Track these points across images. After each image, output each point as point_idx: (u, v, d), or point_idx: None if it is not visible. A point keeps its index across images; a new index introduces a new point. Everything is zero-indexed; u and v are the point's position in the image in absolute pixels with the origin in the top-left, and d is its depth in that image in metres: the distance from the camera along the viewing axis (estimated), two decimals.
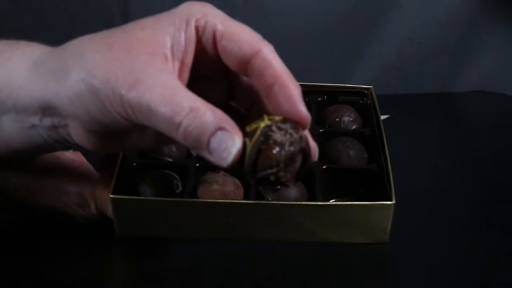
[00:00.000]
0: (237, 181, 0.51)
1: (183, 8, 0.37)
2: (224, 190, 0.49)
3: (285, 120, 0.35)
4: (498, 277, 0.48)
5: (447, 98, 0.77)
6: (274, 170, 0.34)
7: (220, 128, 0.33)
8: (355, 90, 0.62)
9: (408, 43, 0.77)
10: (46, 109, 0.37)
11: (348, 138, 0.56)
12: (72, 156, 0.51)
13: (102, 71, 0.34)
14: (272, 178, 0.34)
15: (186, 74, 0.37)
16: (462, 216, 0.54)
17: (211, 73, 0.39)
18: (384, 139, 0.54)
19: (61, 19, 0.72)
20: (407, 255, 0.50)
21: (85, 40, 0.36)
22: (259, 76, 0.36)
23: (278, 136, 0.34)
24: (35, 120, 0.38)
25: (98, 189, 0.48)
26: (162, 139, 0.36)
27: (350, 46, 0.77)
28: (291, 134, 0.34)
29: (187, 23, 0.36)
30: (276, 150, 0.34)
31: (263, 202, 0.49)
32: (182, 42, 0.36)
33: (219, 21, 0.36)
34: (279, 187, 0.50)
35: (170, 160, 0.54)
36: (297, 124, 0.35)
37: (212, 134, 0.33)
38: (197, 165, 0.52)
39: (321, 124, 0.59)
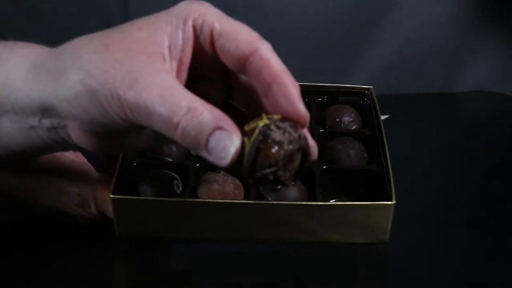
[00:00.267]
0: (237, 181, 0.51)
1: (180, 7, 0.37)
2: (224, 190, 0.49)
3: (284, 119, 0.35)
4: (498, 277, 0.48)
5: (447, 98, 0.77)
6: (273, 169, 0.34)
7: (218, 128, 0.33)
8: (355, 90, 0.62)
9: (408, 43, 0.77)
10: (45, 110, 0.37)
11: (348, 138, 0.56)
12: (72, 157, 0.51)
13: (100, 72, 0.34)
14: (271, 177, 0.34)
15: (184, 74, 0.37)
16: (462, 216, 0.54)
17: (209, 72, 0.39)
18: (384, 139, 0.54)
19: (61, 19, 0.72)
20: (407, 255, 0.50)
21: (83, 41, 0.36)
22: (257, 75, 0.36)
23: (276, 135, 0.34)
24: (34, 121, 0.38)
25: (98, 189, 0.48)
26: (161, 139, 0.36)
27: (350, 46, 0.77)
28: (289, 133, 0.34)
29: (185, 22, 0.36)
30: (275, 149, 0.34)
31: (263, 202, 0.49)
32: (180, 41, 0.36)
33: (217, 20, 0.36)
34: (279, 187, 0.50)
35: (170, 160, 0.54)
36: (296, 123, 0.35)
37: (210, 133, 0.33)
38: (197, 165, 0.52)
39: (321, 124, 0.59)
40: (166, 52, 0.35)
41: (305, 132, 0.36)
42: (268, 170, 0.34)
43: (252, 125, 0.34)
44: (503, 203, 0.56)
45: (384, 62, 0.77)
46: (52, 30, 0.72)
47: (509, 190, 0.58)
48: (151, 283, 0.47)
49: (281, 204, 0.48)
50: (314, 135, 0.38)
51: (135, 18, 0.37)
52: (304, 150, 0.35)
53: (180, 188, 0.51)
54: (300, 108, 0.35)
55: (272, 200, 0.50)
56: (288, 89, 0.35)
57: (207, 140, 0.33)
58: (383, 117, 0.59)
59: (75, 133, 0.37)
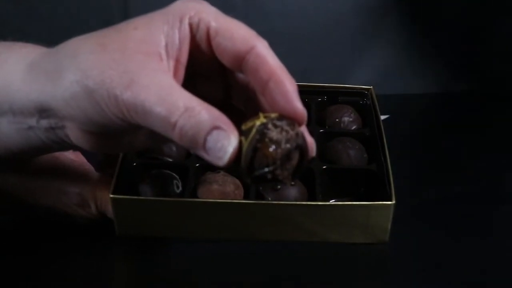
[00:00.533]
0: (237, 181, 0.51)
1: (177, 5, 0.37)
2: (224, 190, 0.49)
3: (281, 117, 0.34)
4: (498, 277, 0.48)
5: (447, 98, 0.77)
6: (271, 168, 0.34)
7: (216, 127, 0.33)
8: (355, 90, 0.62)
9: (408, 43, 0.77)
10: (43, 111, 0.37)
11: (348, 138, 0.56)
12: (71, 157, 0.51)
13: (97, 72, 0.34)
14: (269, 176, 0.34)
15: (182, 73, 0.37)
16: (462, 216, 0.54)
17: (206, 71, 0.39)
18: (384, 139, 0.54)
19: (61, 19, 0.72)
20: (407, 255, 0.50)
21: (79, 41, 0.36)
22: (254, 73, 0.36)
23: (274, 134, 0.34)
24: (32, 121, 0.38)
25: (98, 189, 0.48)
26: (159, 138, 0.36)
27: (350, 46, 0.77)
28: (287, 131, 0.34)
29: (181, 21, 0.36)
30: (272, 148, 0.34)
31: (263, 202, 0.49)
32: (176, 40, 0.36)
33: (213, 18, 0.36)
34: (279, 186, 0.50)
35: (170, 160, 0.54)
36: (293, 121, 0.35)
37: (208, 133, 0.33)
38: (197, 165, 0.52)
39: (321, 124, 0.59)
40: (163, 51, 0.35)
41: (303, 129, 0.36)
42: (266, 169, 0.34)
43: (249, 124, 0.34)
44: (504, 203, 0.56)
45: (384, 62, 0.77)
46: (52, 30, 0.72)
47: (510, 190, 0.58)
48: (151, 283, 0.47)
49: (281, 204, 0.48)
50: (314, 135, 0.38)
51: None
52: (302, 148, 0.35)
53: (180, 188, 0.51)
54: (297, 105, 0.35)
55: (272, 200, 0.50)
56: (285, 87, 0.35)
57: (205, 140, 0.33)
58: (383, 117, 0.59)
59: (73, 133, 0.37)
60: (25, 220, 0.52)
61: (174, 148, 0.54)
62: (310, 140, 0.37)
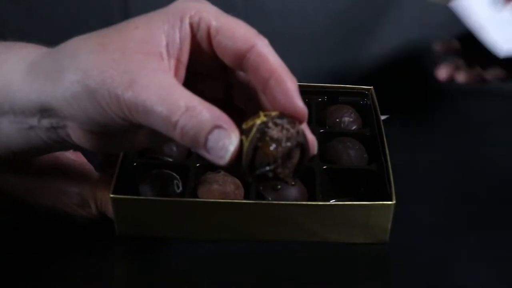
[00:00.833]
0: (238, 181, 0.51)
1: (177, 5, 0.37)
2: (225, 190, 0.49)
3: (282, 115, 0.34)
4: (498, 277, 0.48)
5: (447, 98, 0.77)
6: (271, 167, 0.34)
7: (217, 127, 0.33)
8: (355, 90, 0.62)
9: (408, 43, 0.77)
10: (44, 111, 0.37)
11: (348, 138, 0.56)
12: (72, 157, 0.51)
13: (98, 72, 0.34)
14: (270, 174, 0.34)
15: (183, 72, 0.37)
16: (462, 216, 0.54)
17: (207, 70, 0.39)
18: (384, 139, 0.54)
19: (61, 19, 0.72)
20: (407, 255, 0.50)
21: (80, 41, 0.36)
22: (255, 71, 0.36)
23: (274, 132, 0.34)
24: (33, 121, 0.38)
25: (98, 189, 0.48)
26: (160, 137, 0.36)
27: (350, 46, 0.77)
28: (287, 130, 0.34)
29: (181, 20, 0.36)
30: (272, 147, 0.34)
31: (263, 202, 0.49)
32: (177, 40, 0.36)
33: (213, 17, 0.36)
34: (279, 186, 0.50)
35: (170, 160, 0.54)
36: (294, 119, 0.35)
37: (209, 132, 0.33)
38: (197, 165, 0.52)
39: (322, 124, 0.59)
40: (164, 51, 0.35)
41: (304, 127, 0.36)
42: (267, 168, 0.34)
43: (249, 123, 0.34)
44: (504, 203, 0.56)
45: (384, 62, 0.77)
46: (52, 30, 0.72)
47: (510, 190, 0.58)
48: (151, 283, 0.47)
49: (281, 204, 0.48)
50: (314, 136, 0.38)
51: None
52: (303, 146, 0.35)
53: (180, 188, 0.51)
54: (298, 103, 0.35)
55: (272, 200, 0.50)
56: (285, 85, 0.35)
57: (206, 139, 0.33)
58: (383, 117, 0.59)
59: (74, 133, 0.37)
60: (25, 220, 0.52)
61: (174, 148, 0.54)
62: (311, 138, 0.37)
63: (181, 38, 0.36)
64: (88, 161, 0.51)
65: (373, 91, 0.61)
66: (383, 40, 0.77)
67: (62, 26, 0.70)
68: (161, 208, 0.48)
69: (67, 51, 0.36)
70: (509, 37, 0.59)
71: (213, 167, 0.51)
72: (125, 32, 0.36)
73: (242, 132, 0.34)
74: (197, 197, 0.49)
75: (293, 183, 0.50)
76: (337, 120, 0.59)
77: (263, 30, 0.37)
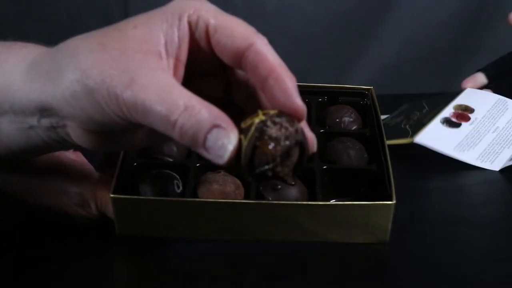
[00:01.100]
0: (238, 181, 0.51)
1: (175, 4, 0.37)
2: (225, 190, 0.49)
3: (280, 113, 0.34)
4: (498, 278, 0.48)
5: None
6: (271, 165, 0.34)
7: (216, 126, 0.33)
8: (355, 90, 0.62)
9: (408, 43, 0.77)
10: (44, 110, 0.37)
11: (349, 138, 0.56)
12: (72, 156, 0.51)
13: (97, 72, 0.34)
14: (269, 173, 0.34)
15: (181, 71, 0.37)
16: (462, 216, 0.54)
17: (206, 69, 0.39)
18: (384, 139, 0.54)
19: (61, 19, 0.72)
20: (407, 255, 0.50)
21: (79, 40, 0.36)
22: (254, 70, 0.36)
23: (273, 131, 0.34)
24: (33, 121, 0.38)
25: (98, 189, 0.48)
26: (160, 137, 0.36)
27: (350, 46, 0.77)
28: (286, 128, 0.34)
29: (180, 19, 0.36)
30: (271, 145, 0.33)
31: (263, 202, 0.49)
32: (176, 38, 0.36)
33: (212, 15, 0.36)
34: (279, 186, 0.50)
35: (171, 160, 0.54)
36: (292, 117, 0.35)
37: (208, 131, 0.33)
38: (198, 165, 0.52)
39: (322, 124, 0.59)
40: (163, 50, 0.35)
41: (303, 125, 0.36)
42: (266, 167, 0.34)
43: (248, 122, 0.34)
44: (505, 203, 0.56)
45: (384, 62, 0.77)
46: (52, 30, 0.72)
47: (511, 190, 0.58)
48: (151, 283, 0.47)
49: (281, 204, 0.48)
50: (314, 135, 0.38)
51: None
52: (302, 144, 0.35)
53: (181, 188, 0.51)
54: (297, 101, 0.35)
55: (272, 200, 0.50)
56: (284, 83, 0.35)
57: (205, 138, 0.33)
58: (383, 117, 0.59)
59: (74, 132, 0.37)
60: (25, 220, 0.52)
61: (174, 148, 0.54)
62: (311, 136, 0.37)
63: (179, 37, 0.36)
64: (88, 161, 0.51)
65: (373, 91, 0.61)
66: (383, 40, 0.77)
67: (62, 26, 0.71)
68: (161, 208, 0.48)
69: (67, 51, 0.36)
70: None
71: (213, 167, 0.51)
72: (124, 31, 0.36)
73: (241, 131, 0.34)
74: (197, 197, 0.49)
75: (293, 183, 0.50)
76: (337, 120, 0.59)
77: (263, 30, 0.37)
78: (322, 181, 0.51)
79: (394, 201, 0.47)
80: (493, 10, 0.78)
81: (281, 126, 0.34)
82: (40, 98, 0.36)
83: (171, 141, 0.50)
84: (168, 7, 0.37)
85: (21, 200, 0.48)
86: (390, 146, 0.52)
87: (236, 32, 0.36)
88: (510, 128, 0.64)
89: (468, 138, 0.63)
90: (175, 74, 0.36)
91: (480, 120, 0.65)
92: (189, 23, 0.36)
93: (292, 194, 0.50)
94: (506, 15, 0.69)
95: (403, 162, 0.54)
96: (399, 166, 0.51)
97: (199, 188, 0.50)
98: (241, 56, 0.36)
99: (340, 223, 0.48)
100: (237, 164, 0.34)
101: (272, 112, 0.34)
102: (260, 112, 0.34)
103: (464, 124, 0.65)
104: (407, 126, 0.65)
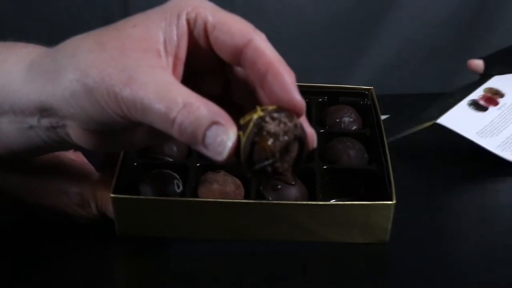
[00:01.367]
0: (238, 181, 0.51)
1: (174, 2, 0.37)
2: (225, 190, 0.49)
3: (279, 109, 0.34)
4: (499, 278, 0.48)
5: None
6: (270, 161, 0.34)
7: (215, 123, 0.33)
8: (355, 90, 0.62)
9: (408, 43, 0.77)
10: (44, 110, 0.37)
11: (349, 138, 0.56)
12: (72, 156, 0.51)
13: (96, 71, 0.34)
14: (269, 169, 0.34)
15: (181, 69, 0.37)
16: (462, 216, 0.54)
17: (205, 66, 0.39)
18: (384, 139, 0.54)
19: (61, 19, 0.73)
20: (407, 255, 0.50)
21: (78, 40, 0.36)
22: (252, 66, 0.36)
23: (271, 126, 0.33)
24: (33, 121, 0.38)
25: (98, 189, 0.48)
26: (159, 135, 0.36)
27: (350, 46, 0.77)
28: (285, 123, 0.34)
29: (178, 17, 0.36)
30: (270, 141, 0.33)
31: (263, 202, 0.49)
32: (174, 37, 0.36)
33: (210, 13, 0.36)
34: (279, 186, 0.50)
35: (171, 160, 0.54)
36: (291, 113, 0.35)
37: (207, 128, 0.33)
38: (198, 165, 0.52)
39: (322, 124, 0.59)
40: (162, 48, 0.36)
41: (303, 120, 0.36)
42: (265, 163, 0.34)
43: (247, 118, 0.34)
44: (505, 203, 0.56)
45: (384, 62, 0.77)
46: (52, 30, 0.72)
47: (511, 190, 0.58)
48: (151, 283, 0.47)
49: (281, 204, 0.48)
50: None
51: None
52: (301, 139, 0.35)
53: (181, 188, 0.51)
54: (296, 96, 0.35)
55: (272, 200, 0.50)
56: (282, 79, 0.35)
57: (204, 135, 0.33)
58: (383, 117, 0.59)
59: (74, 132, 0.37)
60: (25, 220, 0.52)
61: (174, 148, 0.54)
62: (311, 131, 0.37)
63: (178, 35, 0.36)
64: (88, 161, 0.51)
65: (373, 91, 0.61)
66: (383, 40, 0.77)
67: (62, 26, 0.71)
68: (161, 208, 0.48)
69: (66, 51, 0.36)
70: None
71: (213, 167, 0.51)
72: (123, 30, 0.36)
73: (240, 127, 0.34)
74: (198, 197, 0.49)
75: (293, 182, 0.50)
76: (337, 120, 0.59)
77: (263, 30, 0.37)
78: (322, 181, 0.51)
79: (394, 201, 0.47)
80: (493, 10, 0.78)
81: (280, 121, 0.34)
82: (40, 98, 0.36)
83: (171, 140, 0.50)
84: (167, 6, 0.37)
85: (21, 200, 0.49)
86: (394, 142, 0.50)
87: (234, 29, 0.36)
88: None
89: (493, 124, 0.61)
90: (174, 72, 0.36)
91: (509, 106, 0.63)
92: (188, 21, 0.36)
93: (292, 194, 0.50)
94: (506, 15, 0.70)
95: (403, 162, 0.54)
96: (399, 166, 0.51)
97: (199, 188, 0.50)
98: (239, 53, 0.36)
99: (340, 223, 0.48)
100: (236, 161, 0.34)
101: (270, 108, 0.34)
102: (258, 108, 0.34)
103: (491, 108, 0.62)
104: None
